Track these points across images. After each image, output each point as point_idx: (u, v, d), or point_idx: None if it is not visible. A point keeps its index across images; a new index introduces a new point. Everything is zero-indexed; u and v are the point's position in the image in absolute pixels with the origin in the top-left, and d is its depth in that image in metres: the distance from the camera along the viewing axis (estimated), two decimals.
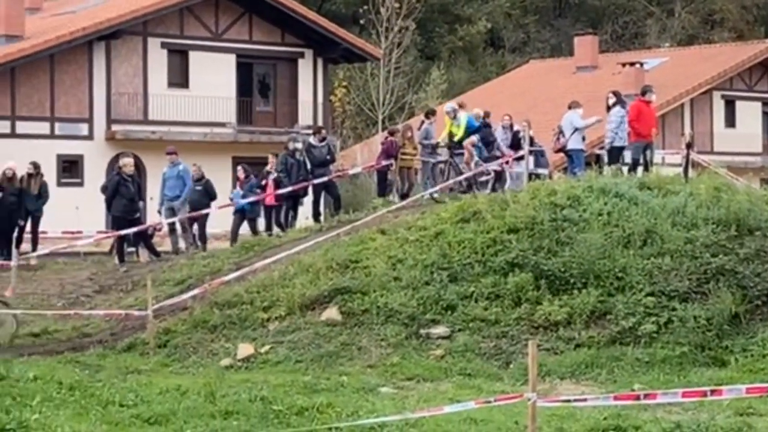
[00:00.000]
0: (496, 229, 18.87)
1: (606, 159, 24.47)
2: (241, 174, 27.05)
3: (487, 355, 16.37)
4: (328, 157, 25.58)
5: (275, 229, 24.97)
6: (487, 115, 26.49)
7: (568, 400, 11.62)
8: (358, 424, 11.85)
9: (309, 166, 25.05)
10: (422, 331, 16.97)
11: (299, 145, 25.30)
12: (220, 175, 27.78)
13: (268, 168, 26.15)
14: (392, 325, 17.12)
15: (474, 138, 25.07)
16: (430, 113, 27.15)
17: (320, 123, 37.52)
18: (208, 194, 25.65)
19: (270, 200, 25.38)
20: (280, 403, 13.25)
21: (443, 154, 25.20)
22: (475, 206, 19.89)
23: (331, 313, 17.54)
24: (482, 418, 12.56)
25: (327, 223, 23.57)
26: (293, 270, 19.12)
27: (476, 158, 24.96)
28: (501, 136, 26.74)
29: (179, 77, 38.58)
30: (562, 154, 26.12)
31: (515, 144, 26.54)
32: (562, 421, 12.41)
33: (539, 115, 36.03)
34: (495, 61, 65.74)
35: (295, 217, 25.41)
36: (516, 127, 27.01)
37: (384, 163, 26.21)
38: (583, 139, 24.66)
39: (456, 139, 24.83)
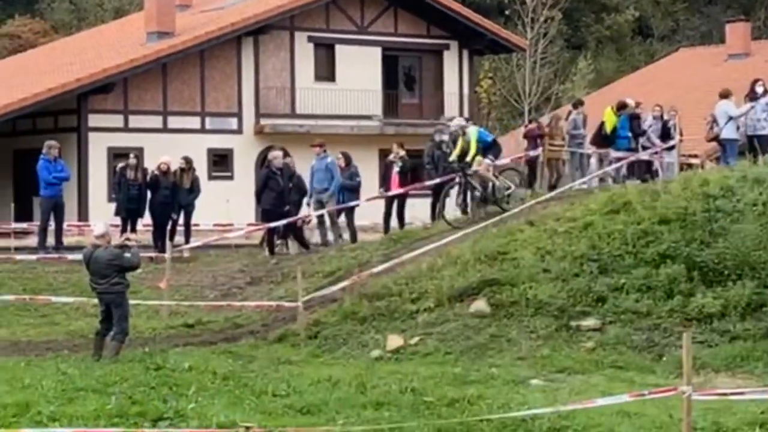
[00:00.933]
0: (647, 220, 18.58)
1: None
2: (341, 162, 26.50)
3: (639, 347, 16.13)
4: None
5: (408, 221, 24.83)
6: (638, 104, 26.07)
7: (725, 394, 11.39)
8: (510, 416, 11.79)
9: None
10: (572, 323, 16.80)
11: (445, 137, 25.24)
12: (367, 168, 27.88)
13: (391, 158, 25.96)
14: (542, 317, 16.99)
15: (488, 161, 22.36)
16: (578, 103, 26.84)
17: (466, 114, 37.45)
18: (299, 191, 25.37)
19: (394, 189, 25.19)
20: (430, 394, 13.27)
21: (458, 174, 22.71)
22: (625, 197, 19.63)
23: (480, 304, 17.48)
24: (635, 411, 12.38)
25: (474, 214, 23.50)
26: (441, 262, 19.11)
27: (494, 181, 22.51)
28: (651, 127, 26.32)
29: (326, 71, 38.93)
30: (714, 144, 25.61)
31: (665, 134, 26.11)
32: (718, 415, 12.15)
33: (689, 105, 35.35)
34: (643, 49, 64.82)
35: (443, 209, 25.35)
36: (665, 117, 26.59)
37: (531, 153, 26.03)
38: (738, 128, 24.14)
39: (470, 156, 22.22)
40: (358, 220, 26.31)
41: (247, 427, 8.81)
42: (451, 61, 41.07)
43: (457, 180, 22.62)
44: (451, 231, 21.50)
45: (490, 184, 22.38)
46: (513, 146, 40.97)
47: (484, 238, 19.78)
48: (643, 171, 25.75)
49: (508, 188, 22.66)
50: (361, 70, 38.86)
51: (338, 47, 39.12)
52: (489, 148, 22.44)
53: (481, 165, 22.18)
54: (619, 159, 25.17)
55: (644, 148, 25.54)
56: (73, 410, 12.45)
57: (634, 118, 25.53)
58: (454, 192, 24.80)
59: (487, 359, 15.99)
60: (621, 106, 25.42)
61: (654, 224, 18.45)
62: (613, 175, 25.50)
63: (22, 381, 13.88)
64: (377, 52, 39.75)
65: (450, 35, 40.87)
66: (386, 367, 15.60)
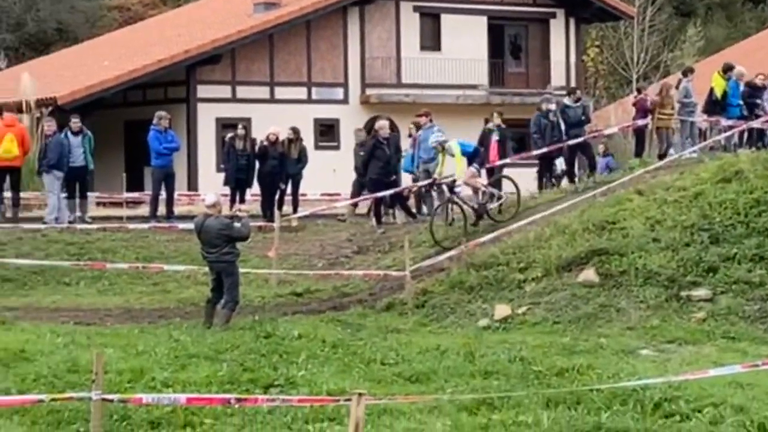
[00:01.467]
0: (760, 189, 18.30)
1: None
2: (414, 132, 26.19)
3: (751, 318, 15.92)
4: (583, 118, 25.25)
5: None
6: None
7: None
8: (620, 387, 11.72)
9: (563, 126, 24.80)
10: (683, 294, 16.62)
11: (552, 106, 25.07)
12: (473, 137, 27.73)
13: (489, 126, 25.78)
14: (651, 287, 16.82)
15: (473, 169, 21.12)
16: (688, 71, 26.44)
17: (573, 84, 37.16)
18: None
19: (493, 158, 25.02)
20: (539, 364, 13.26)
21: (444, 193, 21.36)
22: (737, 165, 19.33)
23: (589, 274, 17.36)
24: (748, 382, 12.24)
25: (582, 184, 23.32)
26: (549, 231, 19.01)
27: (483, 188, 21.29)
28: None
29: (431, 40, 38.87)
30: None
31: None
32: None
33: None
34: (755, 16, 63.50)
35: (549, 179, 25.22)
36: None
37: (640, 122, 25.74)
38: None
39: (457, 173, 20.90)
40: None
41: (360, 394, 8.87)
42: (557, 29, 40.72)
43: (446, 198, 21.13)
44: (559, 200, 21.37)
45: (480, 193, 21.23)
46: (620, 115, 40.64)
47: (592, 208, 19.63)
48: (756, 139, 25.31)
49: (499, 197, 21.46)
50: (466, 39, 38.71)
51: (444, 16, 39.01)
52: (473, 157, 21.29)
53: (467, 173, 21.00)
54: (730, 127, 24.80)
55: (756, 116, 25.11)
56: (186, 376, 12.68)
57: (756, 89, 25.09)
58: (559, 163, 24.62)
59: (595, 329, 15.90)
60: (727, 69, 25.11)
61: (767, 193, 18.15)
62: (724, 144, 25.11)
63: (136, 347, 14.16)
64: (483, 21, 39.55)
65: (556, 3, 40.52)
66: (494, 337, 15.61)
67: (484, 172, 22.80)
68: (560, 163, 24.81)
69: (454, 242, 19.95)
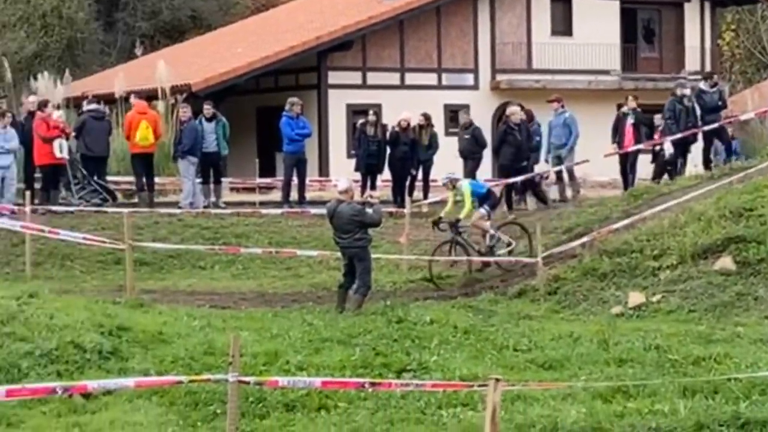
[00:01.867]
0: None
1: None
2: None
3: None
4: (720, 103, 24.84)
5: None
6: None
7: None
8: (759, 376, 11.48)
9: (698, 112, 24.40)
10: None
11: (687, 91, 24.71)
12: (604, 123, 27.44)
13: (623, 110, 25.42)
14: None
15: (482, 211, 19.57)
16: None
17: (707, 68, 36.49)
18: (478, 143, 25.44)
19: (627, 142, 24.68)
20: (675, 352, 13.07)
21: (447, 232, 19.84)
22: None
23: (725, 262, 17.02)
24: None
25: (718, 170, 22.89)
26: (684, 218, 18.68)
27: (491, 231, 19.72)
28: None
29: (563, 25, 38.47)
30: None
31: None
32: None
33: None
34: None
35: (684, 165, 24.84)
36: None
37: None
38: None
39: (463, 215, 19.45)
40: (597, 177, 26.05)
41: (497, 380, 8.85)
42: (692, 13, 39.97)
43: (449, 238, 19.68)
44: (694, 186, 21.01)
45: (488, 236, 19.65)
46: (757, 100, 39.81)
47: (728, 194, 19.24)
48: None
49: (509, 244, 19.84)
50: (598, 23, 38.21)
51: (575, 1, 38.58)
52: (484, 200, 19.79)
53: (475, 215, 19.55)
54: None
55: None
56: (320, 360, 12.80)
57: None
58: (667, 147, 24.08)
59: (732, 318, 15.60)
60: None
61: None
62: None
63: (270, 331, 14.33)
64: (615, 5, 39.00)
65: None
66: (628, 324, 15.42)
67: (617, 158, 22.45)
68: (668, 148, 24.31)
69: (454, 289, 18.76)
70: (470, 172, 24.94)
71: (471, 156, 25.25)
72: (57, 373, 11.80)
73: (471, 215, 19.51)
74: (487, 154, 26.58)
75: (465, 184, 19.79)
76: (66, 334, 12.65)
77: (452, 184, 19.81)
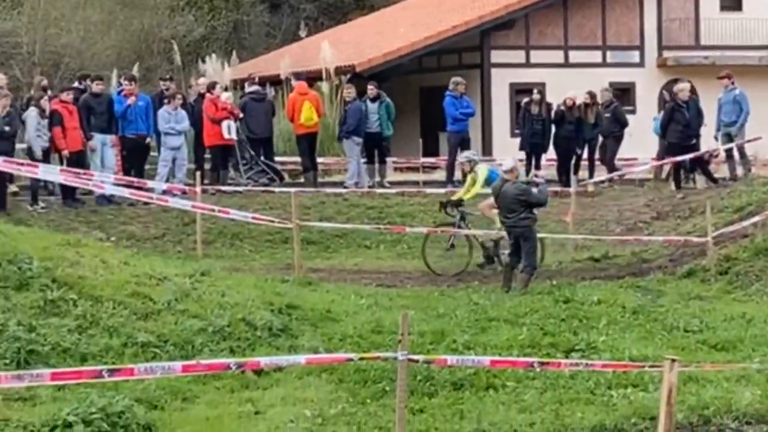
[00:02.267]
0: None
1: None
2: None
3: None
4: None
5: None
6: None
7: None
8: None
9: None
10: None
11: None
12: None
13: None
14: None
15: (491, 200, 17.52)
16: None
17: None
18: (618, 121, 24.91)
19: None
20: None
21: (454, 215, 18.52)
22: None
23: None
24: None
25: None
26: None
27: (498, 224, 17.51)
28: None
29: (732, 0, 37.60)
30: None
31: None
32: None
33: None
34: None
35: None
36: None
37: None
38: None
39: (463, 194, 18.41)
40: (766, 155, 25.37)
41: (673, 360, 8.70)
42: None
43: (455, 221, 18.45)
44: None
45: (495, 228, 17.93)
46: None
47: None
48: None
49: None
50: None
51: None
52: None
53: (485, 203, 18.21)
54: None
55: None
56: (486, 339, 12.76)
57: None
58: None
59: None
60: None
61: None
62: None
63: (436, 310, 14.36)
64: None
65: None
66: None
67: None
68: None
69: (451, 272, 18.10)
70: (611, 152, 24.76)
71: (611, 134, 24.93)
72: (230, 350, 12.01)
73: (474, 198, 18.43)
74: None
75: (483, 169, 18.39)
76: (237, 312, 12.86)
77: (470, 165, 18.63)
